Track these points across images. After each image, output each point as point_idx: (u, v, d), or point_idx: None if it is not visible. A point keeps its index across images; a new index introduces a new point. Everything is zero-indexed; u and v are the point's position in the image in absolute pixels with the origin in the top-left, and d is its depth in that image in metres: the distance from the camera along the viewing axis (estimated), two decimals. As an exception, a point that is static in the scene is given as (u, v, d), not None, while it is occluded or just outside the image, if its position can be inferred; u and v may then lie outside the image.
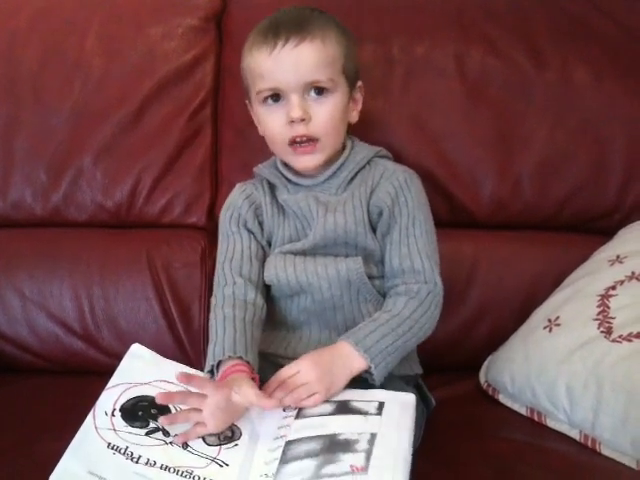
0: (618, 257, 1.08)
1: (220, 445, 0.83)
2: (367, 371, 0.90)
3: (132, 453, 0.80)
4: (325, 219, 0.98)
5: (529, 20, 1.25)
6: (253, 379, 0.87)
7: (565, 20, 1.26)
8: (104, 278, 1.20)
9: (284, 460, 0.79)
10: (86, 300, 1.19)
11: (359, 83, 1.04)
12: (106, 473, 0.77)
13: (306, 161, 0.99)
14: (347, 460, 0.75)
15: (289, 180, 1.03)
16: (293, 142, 0.97)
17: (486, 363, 1.15)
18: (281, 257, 1.00)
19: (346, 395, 0.88)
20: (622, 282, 1.03)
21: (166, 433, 0.84)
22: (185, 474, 0.79)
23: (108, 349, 1.18)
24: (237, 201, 1.04)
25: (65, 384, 1.14)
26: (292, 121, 0.95)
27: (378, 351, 0.90)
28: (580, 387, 0.96)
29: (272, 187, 1.05)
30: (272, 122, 0.98)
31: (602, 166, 1.21)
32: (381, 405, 0.84)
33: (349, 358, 0.90)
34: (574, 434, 0.98)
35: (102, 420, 0.83)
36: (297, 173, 1.03)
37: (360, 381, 0.91)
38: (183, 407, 0.86)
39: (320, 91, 0.96)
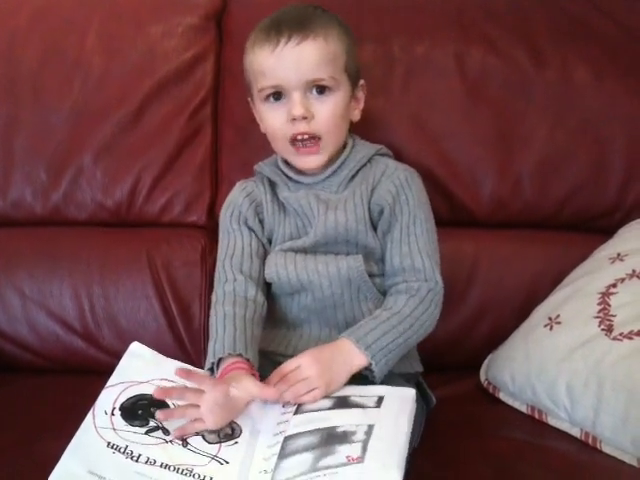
0: (619, 255, 1.08)
1: (220, 443, 0.83)
2: (368, 368, 0.90)
3: (132, 452, 0.80)
4: (326, 217, 0.98)
5: (529, 20, 1.25)
6: (253, 376, 0.87)
7: (565, 20, 1.26)
8: (104, 277, 1.20)
9: (282, 455, 0.79)
10: (86, 299, 1.19)
11: (361, 82, 1.04)
12: (106, 472, 0.77)
13: (309, 162, 1.00)
14: (343, 451, 0.75)
15: (290, 178, 1.03)
16: (295, 140, 0.97)
17: (486, 361, 1.15)
18: (282, 255, 0.99)
19: (346, 391, 0.88)
20: (623, 280, 1.03)
21: (166, 432, 0.83)
22: (185, 472, 0.79)
23: (108, 348, 1.18)
24: (238, 199, 1.04)
25: (65, 383, 1.14)
26: (294, 119, 0.95)
27: (379, 348, 0.90)
28: (581, 385, 0.96)
29: (273, 185, 1.05)
30: (274, 119, 0.98)
31: (602, 165, 1.21)
32: (380, 399, 0.84)
33: (350, 355, 0.90)
34: (575, 432, 0.98)
35: (102, 419, 0.83)
36: (298, 171, 1.03)
37: (360, 378, 0.90)
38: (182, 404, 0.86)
39: (322, 89, 0.96)
